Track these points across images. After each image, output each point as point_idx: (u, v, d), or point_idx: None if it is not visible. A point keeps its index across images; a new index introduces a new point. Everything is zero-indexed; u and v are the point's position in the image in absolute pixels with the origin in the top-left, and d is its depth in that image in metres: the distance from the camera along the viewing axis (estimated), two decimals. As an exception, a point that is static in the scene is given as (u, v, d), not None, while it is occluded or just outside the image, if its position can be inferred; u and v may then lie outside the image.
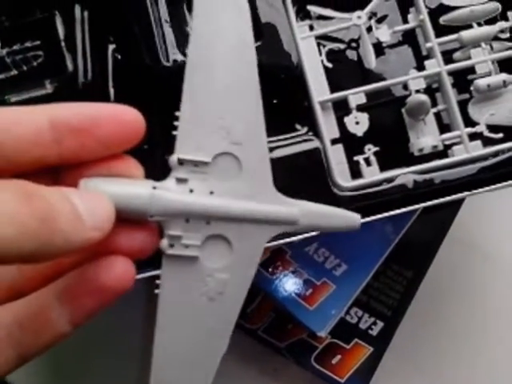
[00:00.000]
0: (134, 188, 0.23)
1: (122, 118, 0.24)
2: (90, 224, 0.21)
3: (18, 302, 0.24)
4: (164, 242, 0.24)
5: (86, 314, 0.24)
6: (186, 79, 0.25)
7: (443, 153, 0.32)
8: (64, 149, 0.23)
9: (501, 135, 0.32)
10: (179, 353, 0.26)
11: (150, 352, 0.26)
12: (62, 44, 0.32)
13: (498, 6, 0.33)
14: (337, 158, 0.32)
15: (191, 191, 0.24)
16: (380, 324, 0.44)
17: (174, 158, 0.25)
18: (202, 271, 0.25)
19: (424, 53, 0.34)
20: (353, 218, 0.26)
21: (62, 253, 0.20)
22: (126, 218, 0.23)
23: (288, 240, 0.31)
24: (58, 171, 0.24)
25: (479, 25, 0.33)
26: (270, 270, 0.40)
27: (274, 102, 0.32)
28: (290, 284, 0.40)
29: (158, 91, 0.32)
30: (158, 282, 0.25)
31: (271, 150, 0.31)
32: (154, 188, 0.24)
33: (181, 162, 0.25)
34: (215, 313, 0.25)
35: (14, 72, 0.32)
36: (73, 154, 0.23)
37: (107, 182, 0.23)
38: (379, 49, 0.34)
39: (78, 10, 0.32)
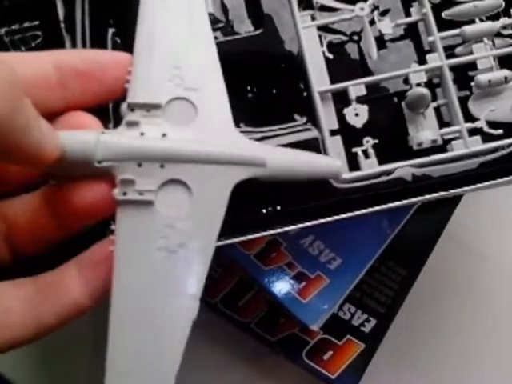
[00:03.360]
0: (80, 133, 0.23)
1: (126, 64, 0.24)
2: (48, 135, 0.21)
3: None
4: (116, 190, 0.23)
5: (100, 280, 0.23)
6: (138, 28, 0.25)
7: (442, 147, 0.32)
8: (68, 92, 0.23)
9: (500, 131, 0.32)
10: (141, 317, 0.23)
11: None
12: (62, 25, 0.32)
13: (501, 2, 0.33)
14: (335, 149, 0.31)
15: (142, 134, 0.23)
16: (373, 321, 0.43)
17: (124, 105, 0.24)
18: (159, 220, 0.23)
19: (426, 47, 0.33)
20: (332, 164, 0.25)
21: (19, 141, 0.20)
22: (77, 170, 0.23)
23: (284, 229, 0.30)
24: None
25: (482, 21, 0.33)
26: (264, 261, 0.39)
27: (274, 91, 0.32)
28: (283, 276, 0.39)
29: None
30: (111, 237, 0.23)
31: (269, 138, 0.31)
32: (103, 133, 0.23)
33: (132, 107, 0.24)
34: (178, 268, 0.23)
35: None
36: (77, 99, 0.23)
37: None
38: (381, 42, 0.33)
39: (78, -9, 0.32)
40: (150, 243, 0.23)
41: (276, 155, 0.25)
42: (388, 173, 0.31)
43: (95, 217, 0.24)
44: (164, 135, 0.23)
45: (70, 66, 0.23)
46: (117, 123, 0.29)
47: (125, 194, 0.23)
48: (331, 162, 0.25)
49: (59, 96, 0.23)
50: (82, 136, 0.23)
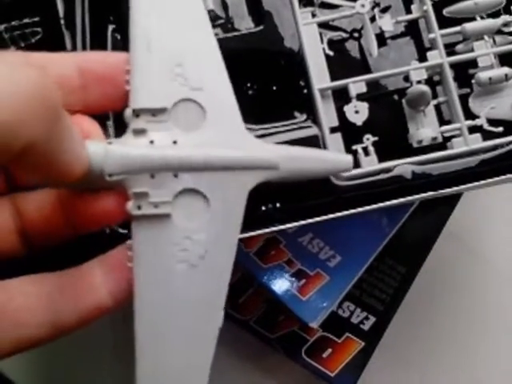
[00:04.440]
0: (88, 144, 0.21)
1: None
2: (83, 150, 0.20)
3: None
4: (130, 204, 0.22)
5: (124, 282, 0.23)
6: (133, 26, 0.23)
7: (442, 145, 0.32)
8: (89, 96, 0.23)
9: (501, 129, 0.32)
10: (167, 331, 0.23)
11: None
12: (62, 22, 0.31)
13: (502, -1, 0.33)
14: (335, 146, 0.31)
15: (151, 142, 0.22)
16: (372, 319, 0.43)
17: (128, 111, 0.23)
18: (177, 233, 0.22)
19: (426, 45, 0.33)
20: (343, 160, 0.25)
21: (50, 161, 0.19)
22: (88, 183, 0.22)
23: (284, 227, 0.30)
24: None
25: (482, 18, 0.33)
26: (264, 259, 0.39)
27: (274, 88, 0.32)
28: (283, 274, 0.39)
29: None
30: (129, 253, 0.22)
31: (269, 135, 0.31)
32: (110, 144, 0.22)
33: (137, 113, 0.22)
34: (200, 281, 0.23)
35: (12, 48, 0.31)
36: (96, 103, 0.23)
37: None
38: (381, 39, 0.33)
39: (78, -13, 0.32)
40: (169, 257, 0.22)
41: (288, 156, 0.24)
42: (388, 170, 0.31)
43: (107, 224, 0.24)
44: (175, 142, 0.22)
45: (91, 70, 0.23)
46: (118, 127, 0.29)
47: (139, 207, 0.22)
48: (342, 158, 0.25)
49: (79, 99, 0.22)
50: (90, 148, 0.21)
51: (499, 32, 0.33)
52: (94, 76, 0.23)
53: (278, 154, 0.24)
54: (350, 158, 0.25)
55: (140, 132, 0.22)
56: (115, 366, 0.45)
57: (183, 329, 0.23)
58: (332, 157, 0.25)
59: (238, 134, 0.23)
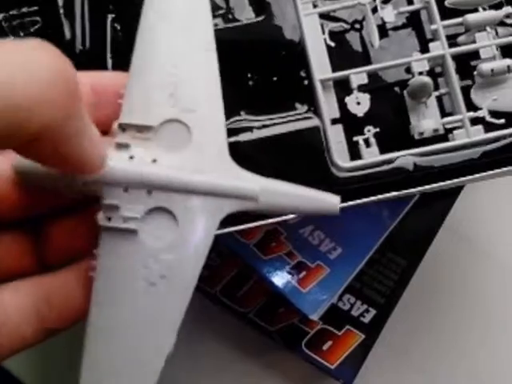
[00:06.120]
0: None
1: None
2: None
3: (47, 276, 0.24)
4: (101, 214, 0.22)
5: None
6: (136, 42, 0.24)
7: (444, 137, 0.32)
8: (100, 113, 0.23)
9: (503, 121, 0.31)
10: (115, 346, 0.23)
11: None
12: (61, 11, 0.31)
13: (505, -10, 0.33)
14: (336, 137, 0.31)
15: (131, 158, 0.22)
16: (372, 312, 0.43)
17: (115, 125, 0.23)
18: (142, 249, 0.22)
19: (428, 36, 0.33)
20: (330, 202, 0.24)
21: (67, 149, 0.19)
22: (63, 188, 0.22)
23: (284, 218, 0.30)
24: None
25: (484, 9, 0.33)
26: (264, 251, 0.39)
27: (275, 79, 0.32)
28: (283, 266, 0.39)
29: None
30: (93, 263, 0.23)
31: (269, 126, 0.31)
32: None
33: (123, 127, 0.23)
34: (156, 301, 0.22)
35: (11, 38, 0.31)
36: (106, 120, 0.23)
37: None
38: (383, 31, 0.33)
39: (78, -24, 0.32)
40: (130, 272, 0.23)
41: (270, 190, 0.23)
42: (389, 162, 0.31)
43: None
44: (154, 160, 0.23)
45: (105, 89, 0.23)
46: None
47: (109, 219, 0.22)
48: (329, 199, 0.24)
49: (92, 118, 0.22)
50: None
51: (501, 23, 0.33)
52: (105, 95, 0.23)
53: (260, 185, 0.23)
54: (336, 198, 0.24)
55: (122, 146, 0.23)
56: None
57: (131, 347, 0.23)
58: (319, 197, 0.24)
59: (220, 160, 0.23)
